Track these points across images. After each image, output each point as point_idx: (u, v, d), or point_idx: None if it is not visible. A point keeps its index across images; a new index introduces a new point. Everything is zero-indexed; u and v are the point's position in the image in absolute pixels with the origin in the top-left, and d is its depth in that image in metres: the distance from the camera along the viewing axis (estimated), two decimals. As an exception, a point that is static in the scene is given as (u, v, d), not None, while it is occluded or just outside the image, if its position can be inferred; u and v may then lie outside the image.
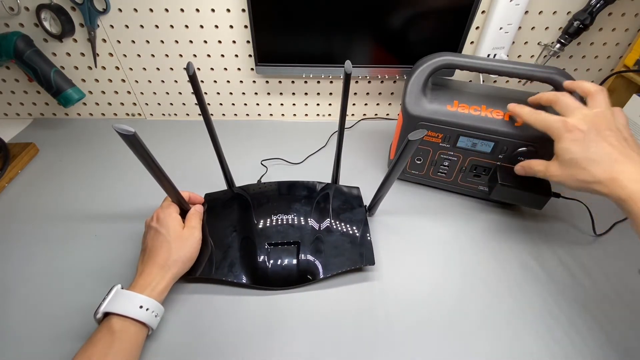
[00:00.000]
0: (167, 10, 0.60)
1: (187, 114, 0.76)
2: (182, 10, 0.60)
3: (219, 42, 0.64)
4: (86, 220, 0.52)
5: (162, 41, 0.64)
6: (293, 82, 0.71)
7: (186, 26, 0.62)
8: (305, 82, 0.71)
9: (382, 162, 0.65)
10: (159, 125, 0.74)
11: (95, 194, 0.57)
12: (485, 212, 0.55)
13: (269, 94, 0.73)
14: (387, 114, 0.78)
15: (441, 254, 0.49)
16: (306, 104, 0.75)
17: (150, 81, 0.70)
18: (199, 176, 0.59)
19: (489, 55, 0.64)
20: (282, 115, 0.77)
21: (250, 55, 0.66)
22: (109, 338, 0.33)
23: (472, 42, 0.65)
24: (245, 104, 0.74)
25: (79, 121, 0.75)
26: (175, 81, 0.70)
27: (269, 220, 0.48)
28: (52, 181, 0.59)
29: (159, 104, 0.74)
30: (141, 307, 0.35)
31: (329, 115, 0.77)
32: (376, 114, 0.78)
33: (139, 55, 0.66)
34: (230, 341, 0.39)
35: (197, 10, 0.60)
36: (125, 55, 0.66)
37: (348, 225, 0.48)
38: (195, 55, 0.66)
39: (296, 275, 0.44)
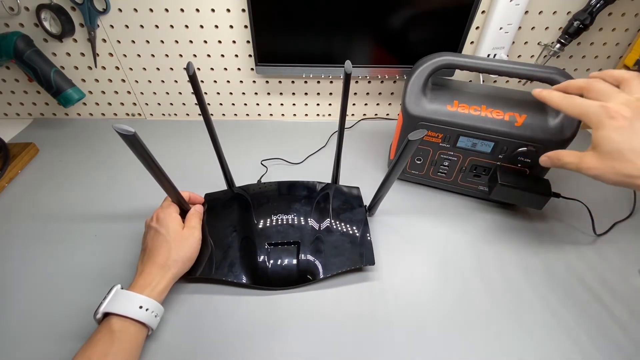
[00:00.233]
0: (167, 10, 0.60)
1: (187, 114, 0.76)
2: (182, 10, 0.60)
3: (219, 42, 0.64)
4: (86, 220, 0.52)
5: (162, 41, 0.64)
6: (293, 82, 0.71)
7: (186, 26, 0.62)
8: (305, 82, 0.71)
9: (382, 162, 0.65)
10: (159, 125, 0.74)
11: (95, 194, 0.57)
12: (485, 212, 0.55)
13: (269, 94, 0.73)
14: (387, 114, 0.78)
15: (441, 254, 0.48)
16: (306, 104, 0.75)
17: (150, 81, 0.70)
18: (199, 176, 0.59)
19: (489, 55, 0.64)
20: (282, 115, 0.77)
21: (250, 55, 0.66)
22: (109, 338, 0.33)
23: (472, 42, 0.65)
24: (245, 104, 0.74)
25: (79, 121, 0.75)
26: (175, 81, 0.70)
27: (269, 220, 0.48)
28: (52, 181, 0.59)
29: (159, 104, 0.74)
30: (141, 307, 0.35)
31: (329, 115, 0.77)
32: (376, 114, 0.78)
33: (139, 55, 0.66)
34: (230, 341, 0.39)
35: (197, 10, 0.60)
36: (125, 55, 0.66)
37: (348, 225, 0.48)
38: (195, 55, 0.66)
39: (296, 275, 0.44)
